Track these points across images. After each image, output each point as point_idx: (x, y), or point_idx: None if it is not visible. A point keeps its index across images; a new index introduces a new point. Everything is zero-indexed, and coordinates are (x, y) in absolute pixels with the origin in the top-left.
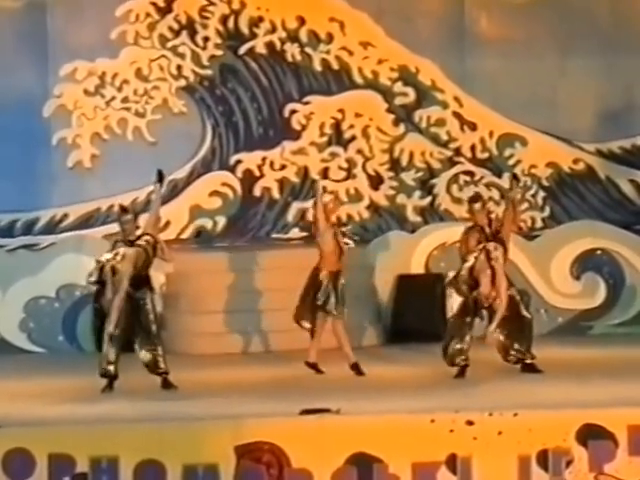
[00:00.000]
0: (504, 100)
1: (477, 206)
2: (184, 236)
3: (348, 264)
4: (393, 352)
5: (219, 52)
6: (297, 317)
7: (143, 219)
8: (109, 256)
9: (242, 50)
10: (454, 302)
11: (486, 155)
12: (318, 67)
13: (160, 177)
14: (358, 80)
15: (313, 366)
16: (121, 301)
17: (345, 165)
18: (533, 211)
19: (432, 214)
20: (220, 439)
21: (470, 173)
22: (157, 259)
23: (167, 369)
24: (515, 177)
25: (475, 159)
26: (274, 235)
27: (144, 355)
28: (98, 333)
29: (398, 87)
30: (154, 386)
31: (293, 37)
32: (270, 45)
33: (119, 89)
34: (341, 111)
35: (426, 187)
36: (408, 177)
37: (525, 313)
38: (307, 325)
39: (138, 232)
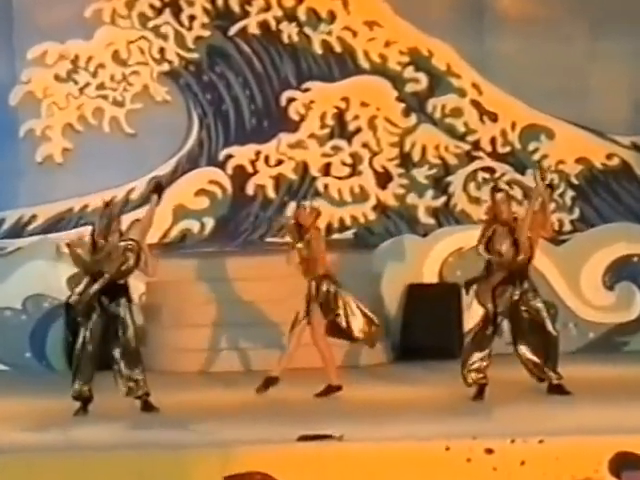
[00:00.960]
0: (528, 87)
1: (500, 196)
2: (167, 240)
3: (352, 272)
4: (402, 371)
5: (206, 33)
6: None
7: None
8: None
9: (232, 31)
10: (473, 313)
11: (508, 149)
12: (318, 50)
13: (158, 189)
14: (364, 64)
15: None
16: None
17: (349, 160)
18: (561, 213)
19: (447, 216)
20: (207, 469)
21: (490, 169)
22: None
23: (147, 390)
24: (541, 168)
25: (495, 154)
26: (269, 239)
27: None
28: (70, 349)
29: (409, 72)
30: (133, 409)
31: (290, 16)
32: (264, 25)
33: (94, 74)
34: (345, 99)
35: (440, 185)
36: (420, 174)
37: (550, 328)
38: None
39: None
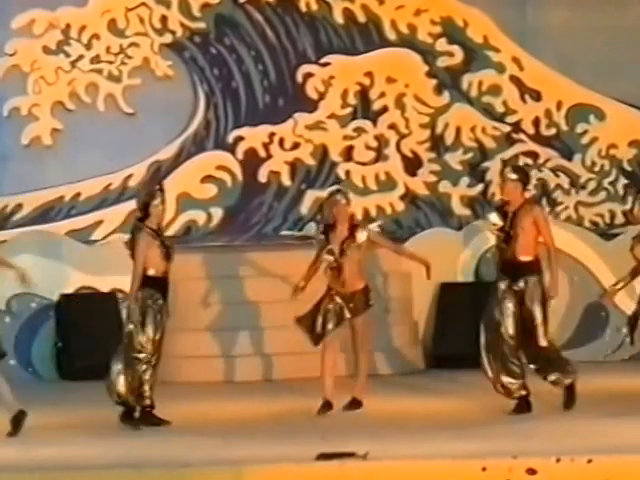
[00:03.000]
0: (575, 62)
1: (510, 175)
2: (170, 233)
3: (377, 269)
4: (434, 381)
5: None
6: None
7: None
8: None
9: None
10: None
11: (553, 131)
12: (339, 19)
13: None
14: (390, 36)
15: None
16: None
17: (374, 144)
18: (612, 203)
19: (484, 206)
20: None
21: (532, 154)
22: None
23: (152, 400)
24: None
25: (539, 136)
26: (284, 232)
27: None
28: (60, 355)
29: (441, 45)
30: None
31: None
32: None
33: (88, 46)
34: (369, 75)
35: (476, 172)
36: (454, 159)
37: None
38: None
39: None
